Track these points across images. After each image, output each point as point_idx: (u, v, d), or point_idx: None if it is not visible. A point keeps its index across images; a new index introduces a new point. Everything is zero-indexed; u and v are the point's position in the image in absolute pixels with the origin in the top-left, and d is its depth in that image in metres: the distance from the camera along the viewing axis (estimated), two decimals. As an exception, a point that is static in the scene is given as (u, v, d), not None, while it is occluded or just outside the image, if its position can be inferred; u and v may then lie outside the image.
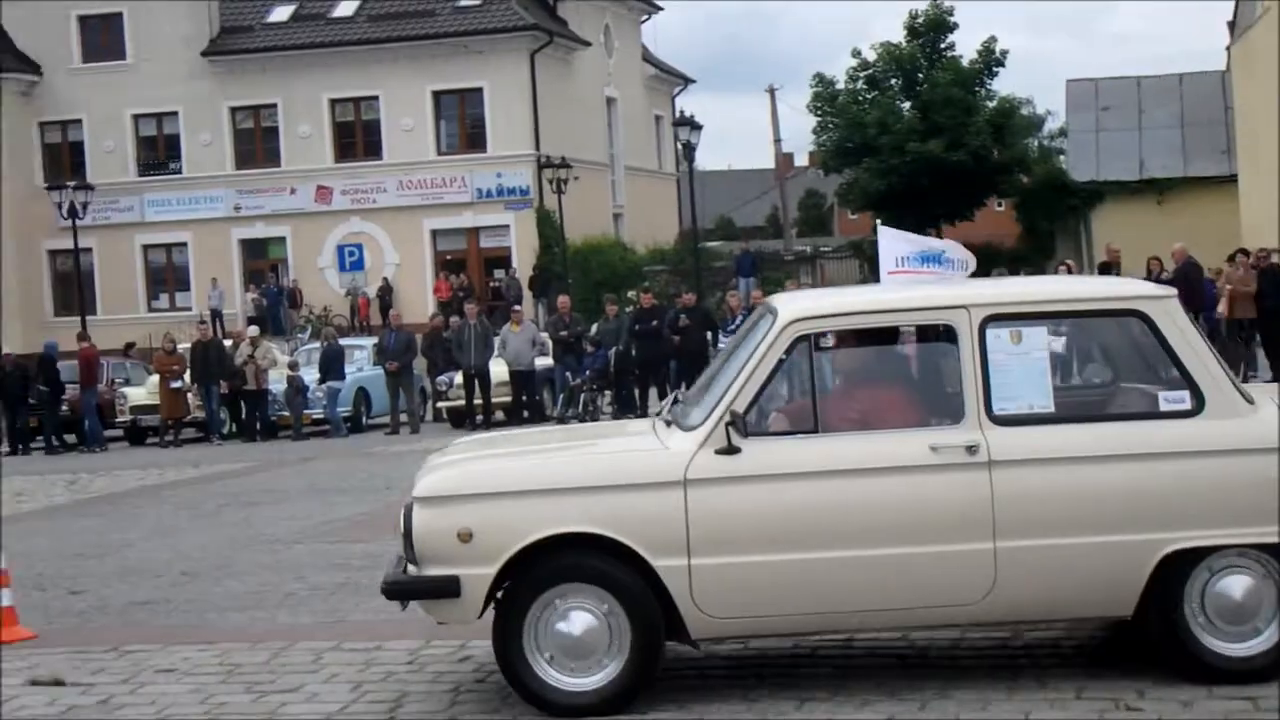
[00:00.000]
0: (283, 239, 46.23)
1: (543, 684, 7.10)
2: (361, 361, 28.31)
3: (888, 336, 7.87)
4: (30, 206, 43.89)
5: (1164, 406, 7.19)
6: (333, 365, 27.03)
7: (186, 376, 27.05)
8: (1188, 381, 7.13)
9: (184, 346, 28.45)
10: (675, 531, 7.04)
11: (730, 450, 7.06)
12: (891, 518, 7.02)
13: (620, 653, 7.10)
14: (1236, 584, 7.04)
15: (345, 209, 45.30)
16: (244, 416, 27.50)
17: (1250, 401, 7.18)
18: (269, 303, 43.32)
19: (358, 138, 45.68)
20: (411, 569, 7.23)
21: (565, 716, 7.08)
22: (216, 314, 41.45)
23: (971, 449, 7.03)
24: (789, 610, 7.13)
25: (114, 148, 46.17)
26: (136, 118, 46.34)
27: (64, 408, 27.97)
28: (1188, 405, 7.12)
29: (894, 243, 9.62)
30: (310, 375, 27.55)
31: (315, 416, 27.40)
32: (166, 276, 47.11)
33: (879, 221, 10.99)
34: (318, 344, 29.77)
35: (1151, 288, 7.65)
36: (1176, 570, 7.01)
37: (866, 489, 7.06)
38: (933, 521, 7.02)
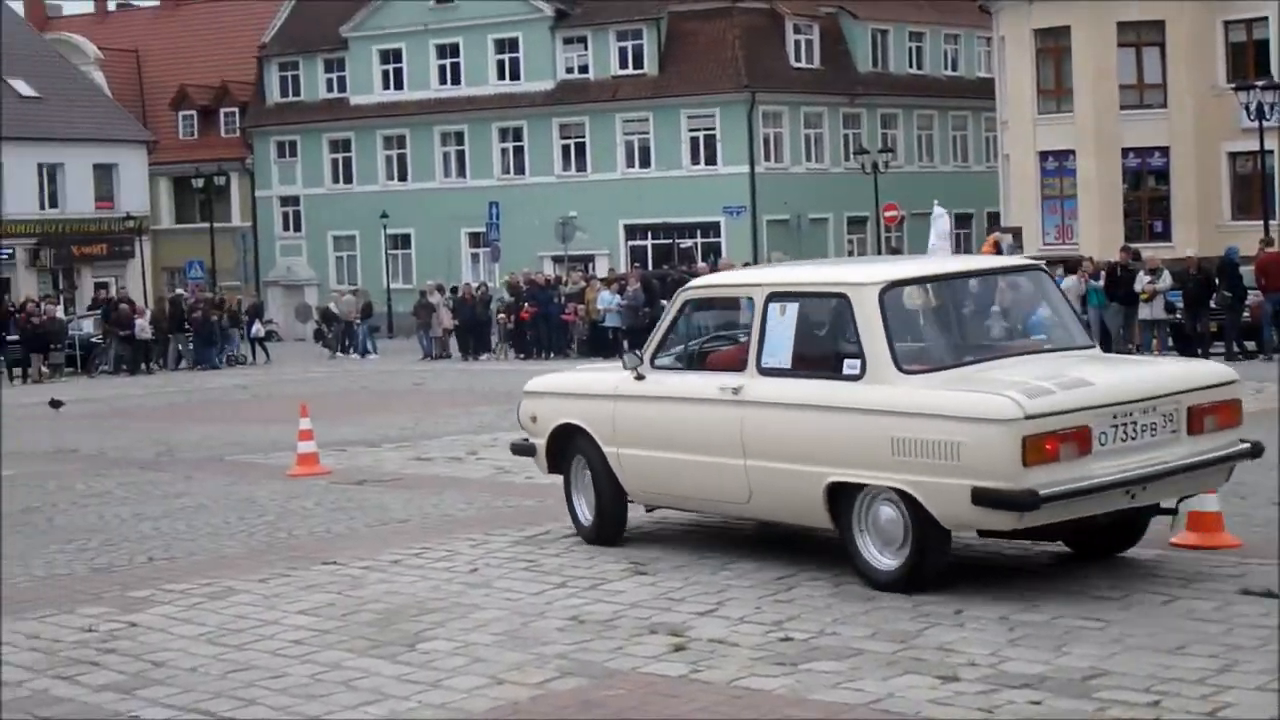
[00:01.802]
0: None
1: (580, 517, 10.68)
2: None
3: (729, 304, 10.63)
4: (1211, 106, 43.63)
5: (845, 370, 8.91)
6: None
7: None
8: (860, 352, 8.79)
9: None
10: (609, 428, 10.31)
11: (639, 378, 10.14)
12: (696, 435, 9.67)
13: (591, 507, 10.55)
14: (884, 514, 8.70)
15: None
16: None
17: (909, 374, 8.62)
18: None
19: None
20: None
21: (589, 542, 10.51)
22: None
23: (736, 390, 9.39)
24: (659, 490, 10.22)
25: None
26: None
27: (1245, 314, 27.76)
28: (857, 371, 8.79)
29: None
30: None
31: None
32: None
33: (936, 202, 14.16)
34: None
35: (859, 276, 9.17)
36: (845, 498, 8.84)
37: (684, 412, 9.83)
38: (716, 441, 9.49)
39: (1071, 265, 32.01)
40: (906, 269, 9.62)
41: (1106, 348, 27.97)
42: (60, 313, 42.69)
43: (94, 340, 41.98)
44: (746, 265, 36.30)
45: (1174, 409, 8.57)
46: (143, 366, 39.42)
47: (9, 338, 38.15)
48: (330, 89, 59.68)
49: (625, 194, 53.12)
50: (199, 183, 55.68)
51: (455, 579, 9.52)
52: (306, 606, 8.88)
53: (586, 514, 10.59)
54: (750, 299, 9.71)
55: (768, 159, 52.86)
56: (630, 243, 53.90)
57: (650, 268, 45.82)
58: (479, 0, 55.77)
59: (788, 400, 9.09)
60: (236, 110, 64.18)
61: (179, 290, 45.23)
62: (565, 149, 55.23)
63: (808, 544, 10.01)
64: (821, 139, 54.57)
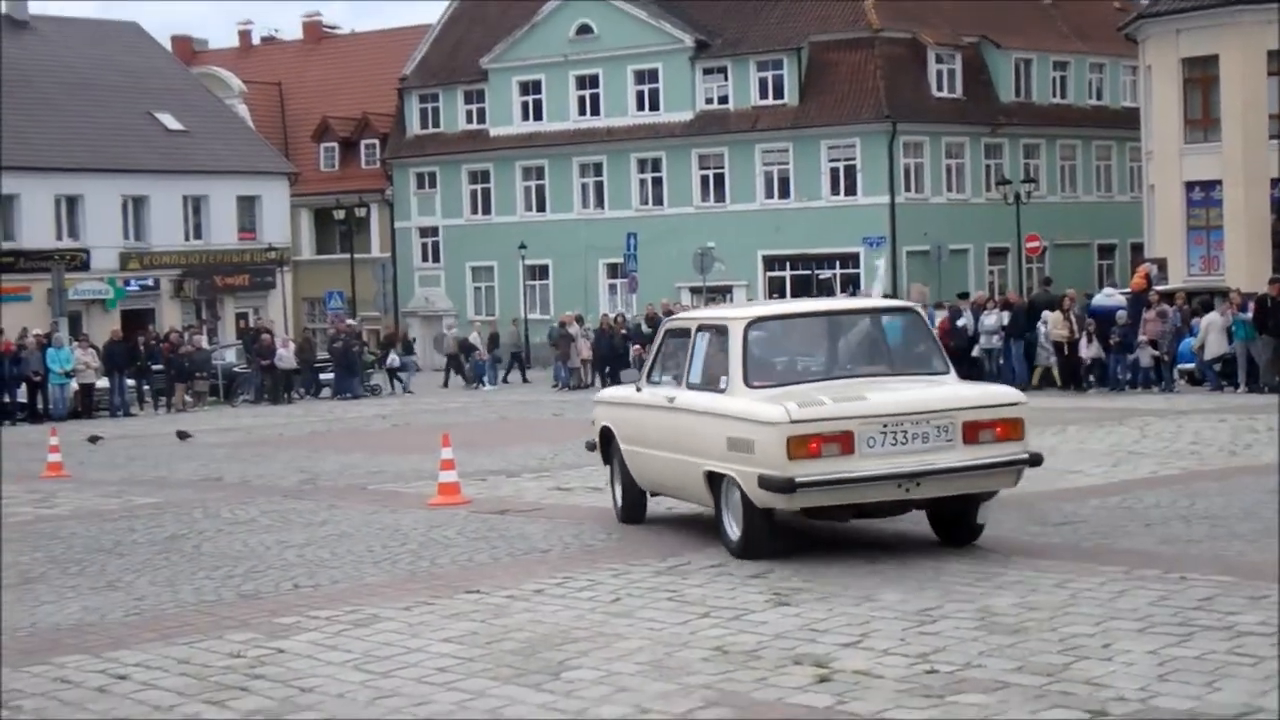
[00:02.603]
0: None
1: (615, 497, 13.54)
2: None
3: (686, 334, 12.51)
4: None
5: (720, 385, 11.48)
6: None
7: None
8: (728, 370, 11.40)
9: None
10: (622, 429, 13.20)
11: (639, 390, 13.02)
12: (656, 434, 12.39)
13: (619, 493, 13.43)
14: (734, 496, 11.10)
15: None
16: None
17: (752, 389, 11.11)
18: None
19: None
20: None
21: (626, 522, 13.33)
22: None
23: (671, 400, 12.08)
24: (648, 478, 12.85)
25: None
26: None
27: None
28: (725, 386, 11.40)
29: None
30: None
31: None
32: None
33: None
34: None
35: (738, 313, 12.04)
36: (715, 483, 11.34)
37: (653, 417, 12.47)
38: (664, 438, 12.21)
39: (1207, 301, 31.48)
40: (774, 309, 12.75)
41: (1254, 381, 27.54)
42: (205, 343, 43.42)
43: (237, 370, 42.66)
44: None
45: (948, 422, 10.64)
46: (284, 396, 39.97)
47: (154, 367, 38.84)
48: (470, 120, 60.26)
49: (764, 224, 53.04)
50: (339, 214, 56.41)
51: (598, 608, 9.50)
52: (451, 634, 8.90)
53: (618, 499, 13.47)
54: (689, 330, 12.46)
55: (908, 189, 52.52)
56: (769, 273, 53.76)
57: (789, 298, 45.66)
58: (619, 31, 56.10)
59: (691, 407, 11.79)
60: (377, 142, 65.02)
61: (349, 321, 45.80)
62: (704, 179, 55.27)
63: (952, 576, 9.87)
64: (963, 169, 54.14)
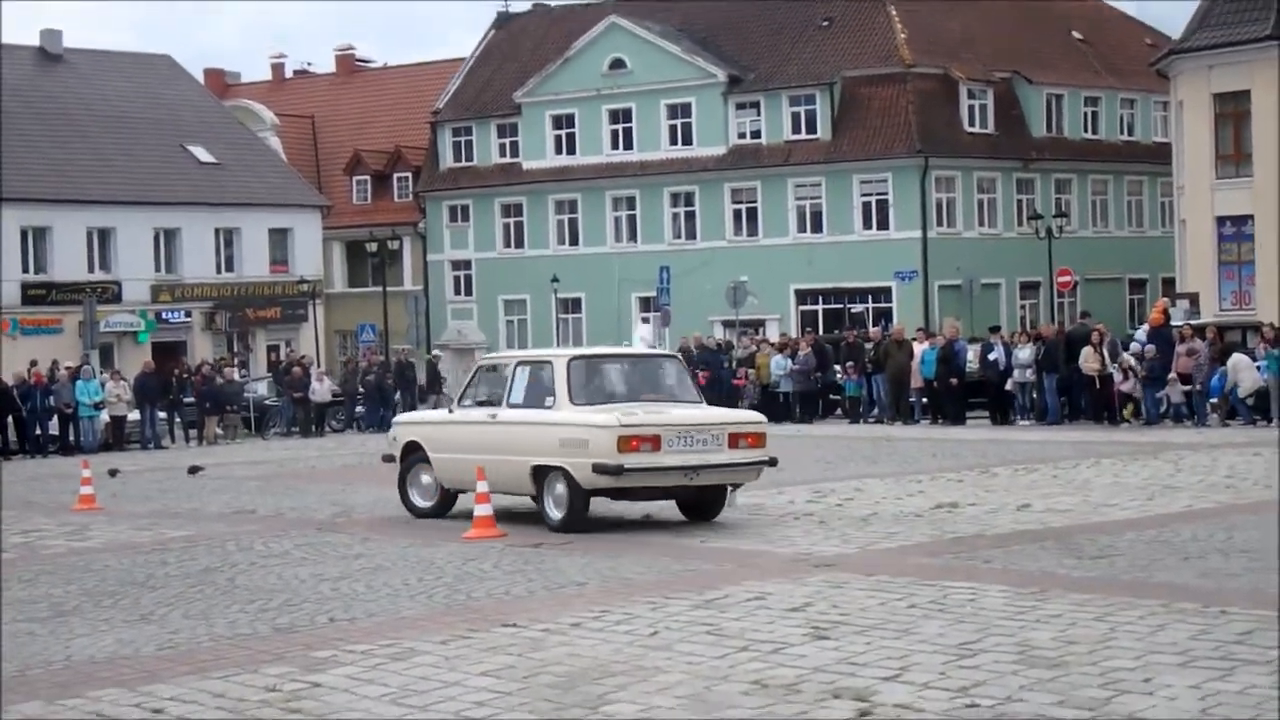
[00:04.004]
0: None
1: (411, 502, 17.61)
2: None
3: (497, 369, 17.26)
4: None
5: (545, 403, 15.79)
6: None
7: None
8: (554, 393, 15.72)
9: None
10: (434, 442, 17.17)
11: (450, 411, 17.53)
12: (475, 443, 16.36)
13: (436, 493, 17.38)
14: (557, 487, 15.54)
15: None
16: None
17: (577, 406, 15.55)
18: None
19: None
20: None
21: (419, 516, 17.28)
22: None
23: (494, 416, 16.35)
24: (458, 478, 16.80)
25: None
26: None
27: None
28: (551, 404, 15.71)
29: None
30: None
31: None
32: None
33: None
34: None
35: (559, 353, 17.71)
36: (539, 475, 15.66)
37: (463, 430, 16.79)
38: (484, 445, 16.21)
39: (1232, 345, 31.27)
40: (586, 351, 18.66)
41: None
42: (236, 375, 43.54)
43: (268, 402, 42.73)
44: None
45: (718, 433, 15.47)
46: (313, 429, 40.01)
47: (185, 399, 38.94)
48: (503, 154, 60.43)
49: (797, 258, 53.02)
50: (372, 247, 56.52)
51: (636, 642, 9.45)
52: (488, 668, 8.86)
53: (419, 501, 17.47)
54: (505, 365, 17.07)
55: (940, 224, 52.45)
56: (801, 307, 53.71)
57: (821, 332, 45.61)
58: (652, 66, 56.22)
59: (517, 420, 16.03)
60: (410, 175, 65.21)
61: (397, 353, 45.96)
62: (737, 213, 55.28)
63: (990, 610, 9.81)
64: (995, 204, 54.05)
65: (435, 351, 51.45)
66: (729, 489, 15.85)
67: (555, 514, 15.46)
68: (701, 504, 15.90)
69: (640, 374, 16.65)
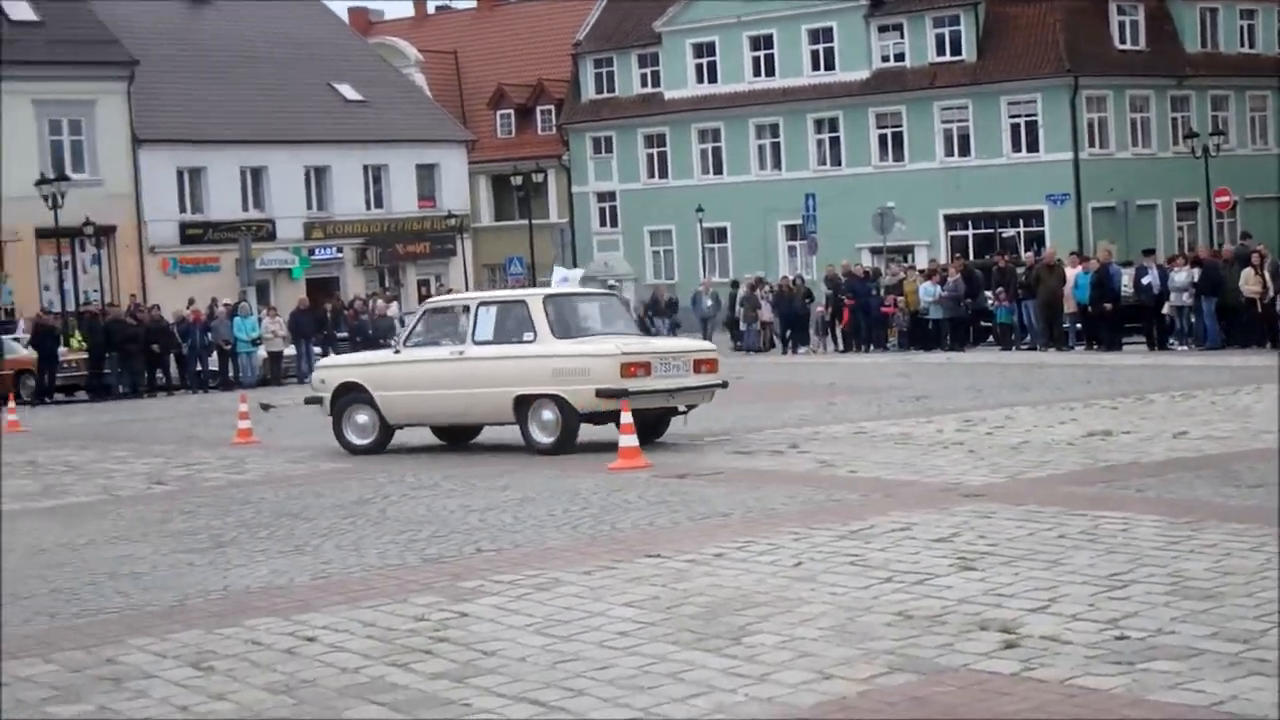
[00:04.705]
0: None
1: (348, 441, 18.60)
2: None
3: (447, 310, 19.36)
4: None
5: (525, 338, 17.30)
6: None
7: None
8: (533, 328, 17.24)
9: None
10: (379, 381, 18.29)
11: (397, 352, 18.60)
12: (434, 379, 17.76)
13: (375, 430, 18.50)
14: (544, 413, 17.07)
15: None
16: None
17: (558, 339, 17.13)
18: None
19: None
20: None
21: (355, 453, 18.32)
22: None
23: (460, 353, 17.64)
24: (404, 414, 18.30)
25: None
26: None
27: None
28: (532, 339, 17.23)
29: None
30: None
31: None
32: None
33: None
34: None
35: (533, 292, 19.55)
36: (523, 404, 17.17)
37: (419, 369, 17.94)
38: (450, 380, 17.63)
39: None
40: (554, 291, 20.66)
41: None
42: (389, 310, 44.06)
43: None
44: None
45: (686, 360, 17.47)
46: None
47: (340, 334, 39.51)
48: (644, 84, 60.34)
49: (944, 183, 52.42)
50: (517, 180, 56.83)
51: (779, 573, 9.43)
52: (632, 599, 8.90)
53: (356, 439, 18.47)
54: (461, 307, 18.63)
55: (1092, 145, 51.56)
56: (950, 233, 53.18)
57: (972, 258, 45.10)
58: (793, -8, 55.74)
59: (492, 355, 17.37)
60: (553, 108, 65.36)
61: (612, 282, 45.91)
62: (882, 138, 54.77)
63: (1142, 541, 9.66)
64: (1148, 123, 52.98)
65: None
66: (682, 409, 17.75)
67: (544, 439, 17.00)
68: (649, 424, 17.27)
69: (599, 310, 18.65)
